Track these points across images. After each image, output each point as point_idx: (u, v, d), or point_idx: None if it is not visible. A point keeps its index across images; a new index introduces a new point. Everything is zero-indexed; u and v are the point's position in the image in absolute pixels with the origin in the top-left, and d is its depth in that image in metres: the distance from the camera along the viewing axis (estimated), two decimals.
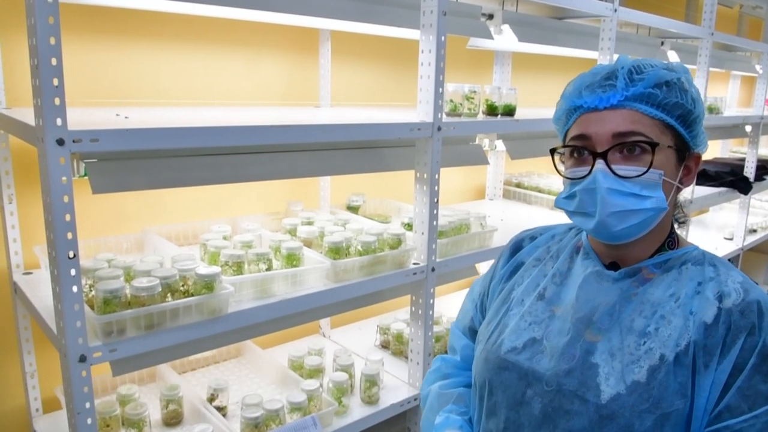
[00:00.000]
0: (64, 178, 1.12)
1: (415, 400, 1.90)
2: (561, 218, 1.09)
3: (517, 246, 1.17)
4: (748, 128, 3.71)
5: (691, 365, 0.89)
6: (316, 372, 1.85)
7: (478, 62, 2.90)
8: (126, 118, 1.44)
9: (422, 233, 1.81)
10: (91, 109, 1.67)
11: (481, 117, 2.08)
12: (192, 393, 1.71)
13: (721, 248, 3.67)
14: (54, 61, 1.08)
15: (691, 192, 3.17)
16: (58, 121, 1.10)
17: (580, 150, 0.96)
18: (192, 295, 1.37)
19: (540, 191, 2.91)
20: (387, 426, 1.91)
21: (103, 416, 1.50)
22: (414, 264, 1.81)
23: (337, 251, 1.67)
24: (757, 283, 1.01)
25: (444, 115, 1.78)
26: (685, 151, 0.97)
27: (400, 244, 1.79)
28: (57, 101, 1.09)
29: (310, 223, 1.89)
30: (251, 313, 1.46)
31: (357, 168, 1.84)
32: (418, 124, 1.72)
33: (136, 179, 1.37)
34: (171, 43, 1.91)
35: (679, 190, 1.00)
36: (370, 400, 1.82)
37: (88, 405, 1.23)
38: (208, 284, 1.38)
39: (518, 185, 3.05)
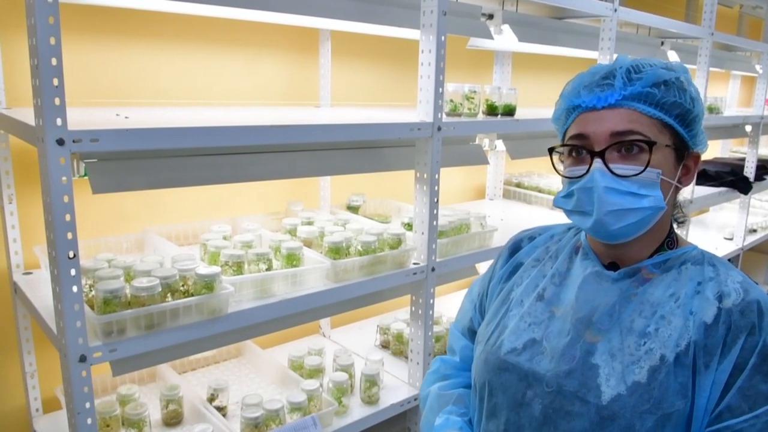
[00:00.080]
0: (64, 178, 1.12)
1: (415, 400, 1.89)
2: (561, 218, 1.09)
3: (515, 246, 1.17)
4: (748, 128, 3.71)
5: (692, 365, 0.89)
6: (316, 372, 1.85)
7: (478, 62, 2.90)
8: (126, 118, 1.44)
9: (422, 233, 1.81)
10: (91, 109, 1.67)
11: (481, 117, 2.08)
12: (192, 393, 1.71)
13: (721, 248, 3.67)
14: (54, 61, 1.08)
15: (691, 192, 3.17)
16: (58, 121, 1.10)
17: (578, 149, 0.96)
18: (192, 295, 1.37)
19: (540, 191, 2.91)
20: (387, 426, 1.91)
21: (103, 416, 1.50)
22: (414, 264, 1.81)
23: (337, 251, 1.67)
24: (757, 283, 1.01)
25: (444, 115, 1.78)
26: (684, 150, 0.97)
27: (400, 244, 1.79)
28: (57, 101, 1.10)
29: (310, 223, 1.89)
30: (251, 313, 1.46)
31: (357, 168, 1.84)
32: (418, 124, 1.72)
33: (136, 179, 1.37)
34: (171, 43, 1.91)
35: (678, 189, 1.00)
36: (370, 400, 1.82)
37: (88, 405, 1.23)
38: (208, 284, 1.38)
39: (518, 185, 3.04)
